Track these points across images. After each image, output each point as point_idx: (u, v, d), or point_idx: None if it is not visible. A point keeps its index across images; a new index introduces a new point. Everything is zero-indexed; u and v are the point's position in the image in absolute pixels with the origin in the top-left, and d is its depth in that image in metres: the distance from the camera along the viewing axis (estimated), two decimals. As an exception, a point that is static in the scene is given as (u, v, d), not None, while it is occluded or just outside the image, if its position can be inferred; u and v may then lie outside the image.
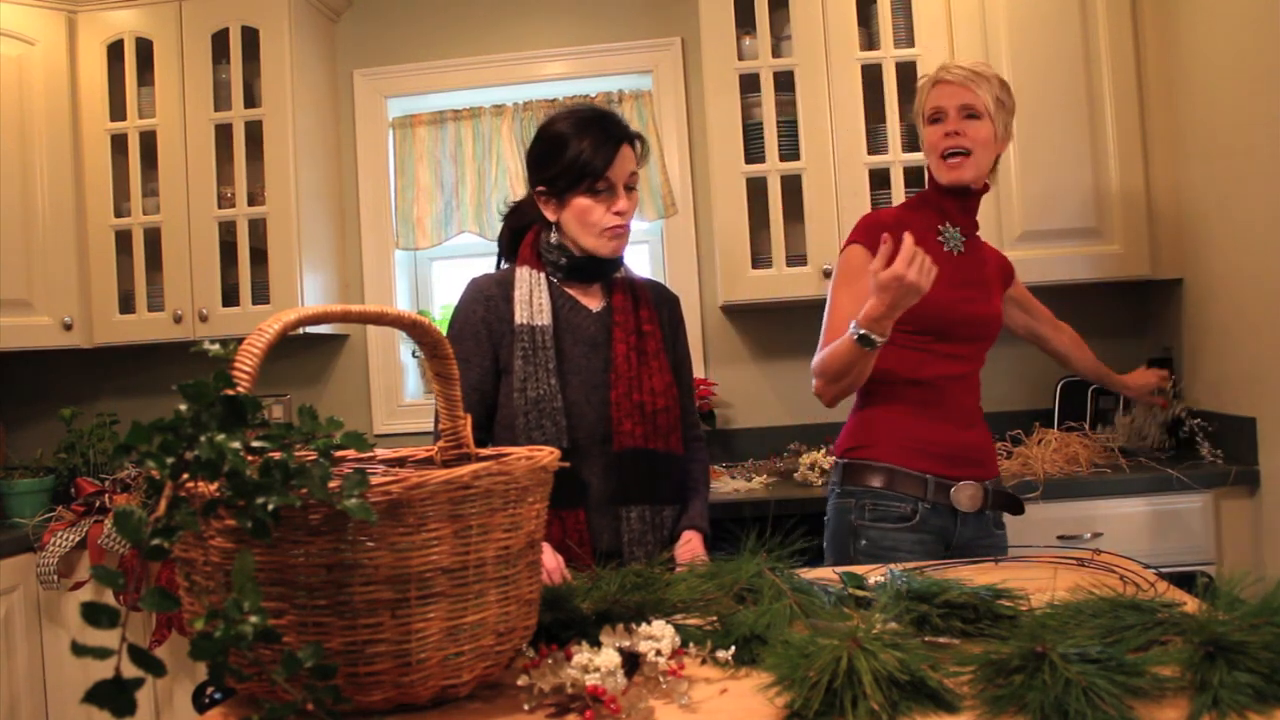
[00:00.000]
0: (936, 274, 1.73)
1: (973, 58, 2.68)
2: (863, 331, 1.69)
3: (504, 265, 1.89)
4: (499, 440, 1.76)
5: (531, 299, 1.75)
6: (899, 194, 2.72)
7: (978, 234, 2.00)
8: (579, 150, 1.70)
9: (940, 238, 1.92)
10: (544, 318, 1.74)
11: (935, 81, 1.92)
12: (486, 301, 1.78)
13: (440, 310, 3.32)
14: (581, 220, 1.73)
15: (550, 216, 1.78)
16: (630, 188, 1.76)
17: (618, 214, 1.73)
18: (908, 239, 1.62)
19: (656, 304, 1.87)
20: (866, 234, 1.89)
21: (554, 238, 1.79)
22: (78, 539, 2.57)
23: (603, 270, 1.81)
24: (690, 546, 1.77)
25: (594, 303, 1.82)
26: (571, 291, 1.81)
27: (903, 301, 1.64)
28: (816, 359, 1.85)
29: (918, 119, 1.98)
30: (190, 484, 0.76)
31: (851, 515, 1.88)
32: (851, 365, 1.75)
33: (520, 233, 1.86)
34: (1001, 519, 1.97)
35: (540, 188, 1.77)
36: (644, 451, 1.74)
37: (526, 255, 1.80)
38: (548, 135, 1.76)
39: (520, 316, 1.74)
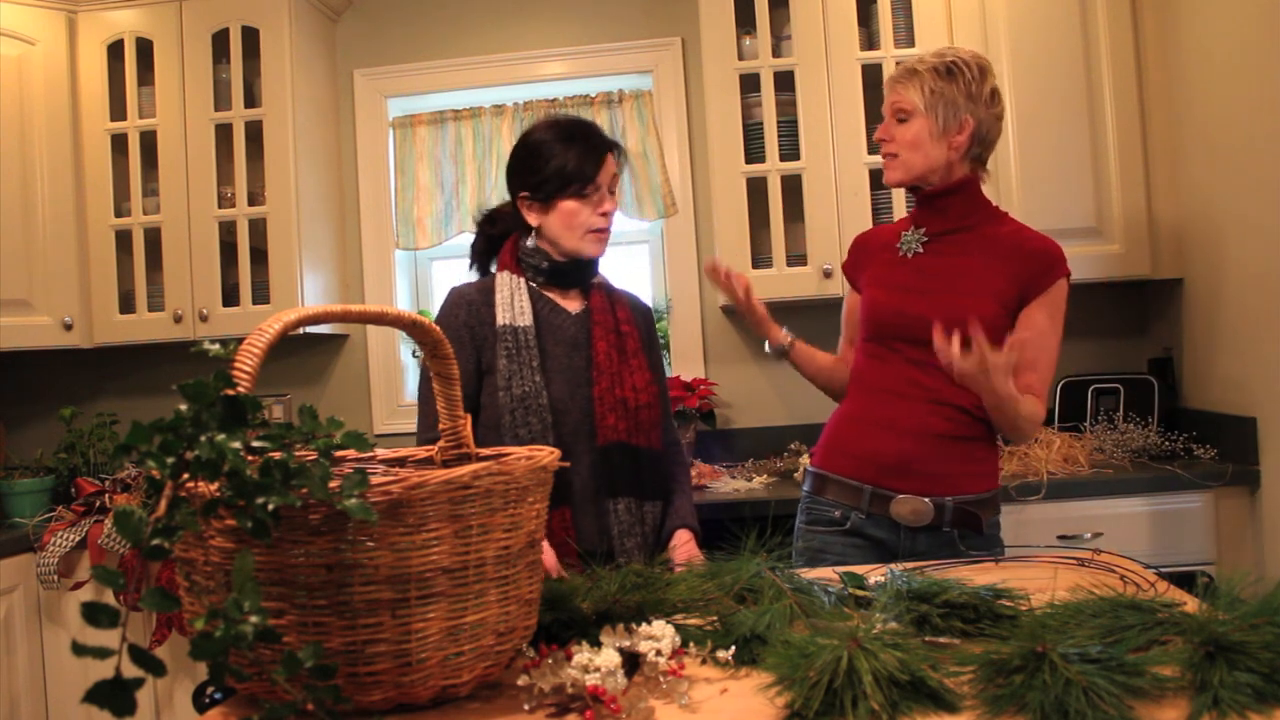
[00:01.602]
0: (879, 275, 1.88)
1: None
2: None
3: (475, 271, 1.95)
4: (483, 441, 1.78)
5: (513, 302, 1.81)
6: (898, 194, 2.72)
7: (971, 233, 1.82)
8: (567, 157, 1.77)
9: (899, 242, 1.89)
10: (525, 319, 1.79)
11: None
12: (469, 306, 1.83)
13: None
14: (568, 223, 1.79)
15: (533, 222, 1.83)
16: (611, 191, 1.83)
17: (603, 215, 1.80)
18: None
19: (632, 308, 1.92)
20: (846, 261, 2.04)
21: (532, 243, 1.84)
22: (78, 539, 2.57)
23: (582, 275, 1.86)
24: (687, 547, 1.80)
25: (573, 305, 1.86)
26: (550, 295, 1.86)
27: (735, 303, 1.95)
28: None
29: None
30: (190, 484, 0.76)
31: (798, 519, 1.93)
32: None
33: (496, 240, 1.92)
34: (999, 539, 1.86)
35: (524, 194, 1.82)
36: (628, 446, 1.77)
37: (506, 261, 1.86)
38: (532, 143, 1.82)
39: (502, 318, 1.79)
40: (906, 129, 1.80)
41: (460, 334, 1.81)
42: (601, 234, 1.82)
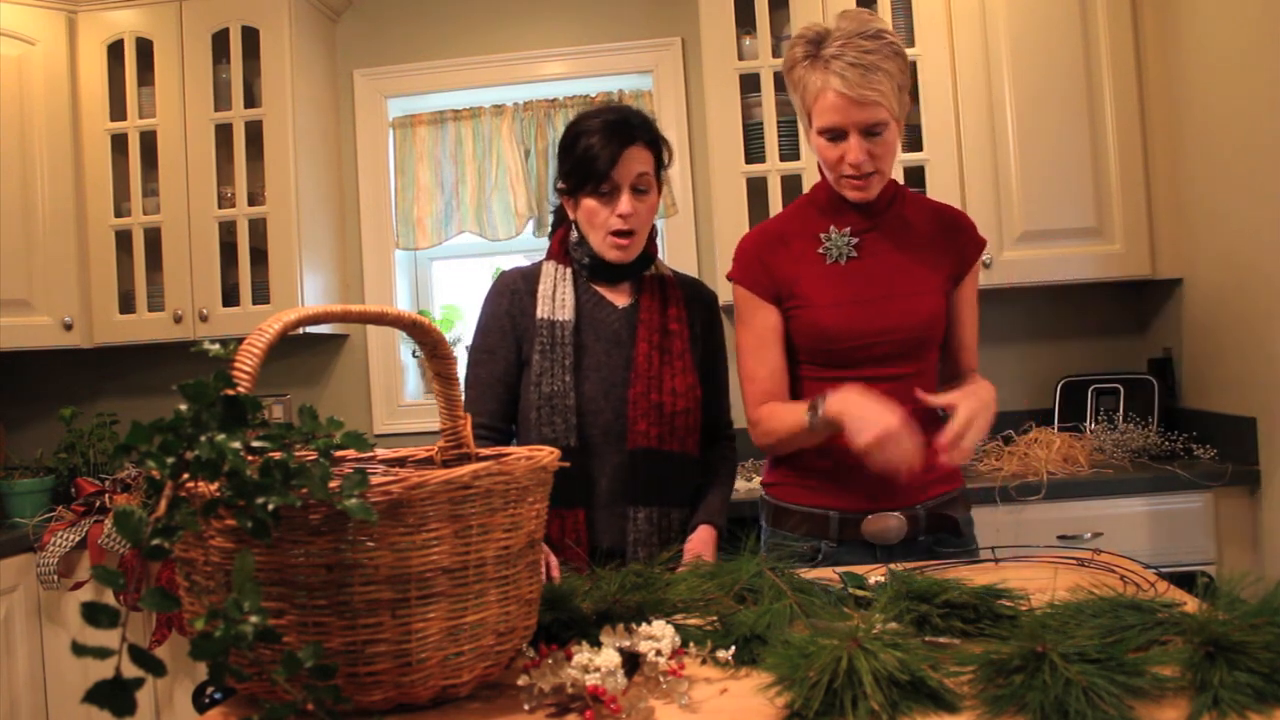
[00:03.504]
0: (814, 290, 1.64)
1: (972, 58, 2.68)
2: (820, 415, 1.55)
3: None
4: (518, 431, 1.80)
5: (555, 294, 1.77)
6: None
7: (892, 221, 1.68)
8: (585, 149, 1.69)
9: (821, 249, 1.67)
10: (565, 313, 1.75)
11: (826, 86, 1.54)
12: (512, 295, 1.80)
13: (440, 310, 3.32)
14: (589, 222, 1.73)
15: (570, 214, 1.80)
16: (640, 190, 1.72)
17: (620, 217, 1.70)
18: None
19: (689, 303, 1.85)
20: (745, 271, 1.71)
21: (576, 235, 1.80)
22: (78, 539, 2.57)
23: (627, 270, 1.80)
24: (699, 538, 1.76)
25: (621, 299, 1.81)
26: (598, 288, 1.81)
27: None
28: (763, 414, 1.69)
29: (799, 111, 1.63)
30: (190, 484, 0.76)
31: (764, 552, 1.72)
32: (801, 439, 1.63)
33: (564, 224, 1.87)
34: (972, 536, 1.75)
35: (561, 185, 1.78)
36: (658, 452, 1.74)
37: (555, 249, 1.83)
38: (567, 133, 1.76)
39: (542, 311, 1.75)
40: (882, 142, 1.57)
41: (502, 323, 1.78)
42: (618, 241, 1.71)
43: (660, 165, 1.77)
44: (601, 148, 1.68)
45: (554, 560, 1.63)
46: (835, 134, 1.58)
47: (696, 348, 1.84)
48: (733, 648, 1.02)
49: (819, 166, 1.68)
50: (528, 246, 3.23)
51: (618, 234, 1.72)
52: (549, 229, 1.94)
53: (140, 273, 2.98)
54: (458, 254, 3.35)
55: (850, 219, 1.68)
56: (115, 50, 2.99)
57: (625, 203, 1.70)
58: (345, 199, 3.25)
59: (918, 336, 1.66)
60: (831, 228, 1.68)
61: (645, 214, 1.74)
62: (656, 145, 1.75)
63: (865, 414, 1.48)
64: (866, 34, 1.53)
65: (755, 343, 1.71)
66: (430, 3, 3.24)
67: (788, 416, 1.63)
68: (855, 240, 1.67)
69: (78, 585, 2.59)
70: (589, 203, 1.72)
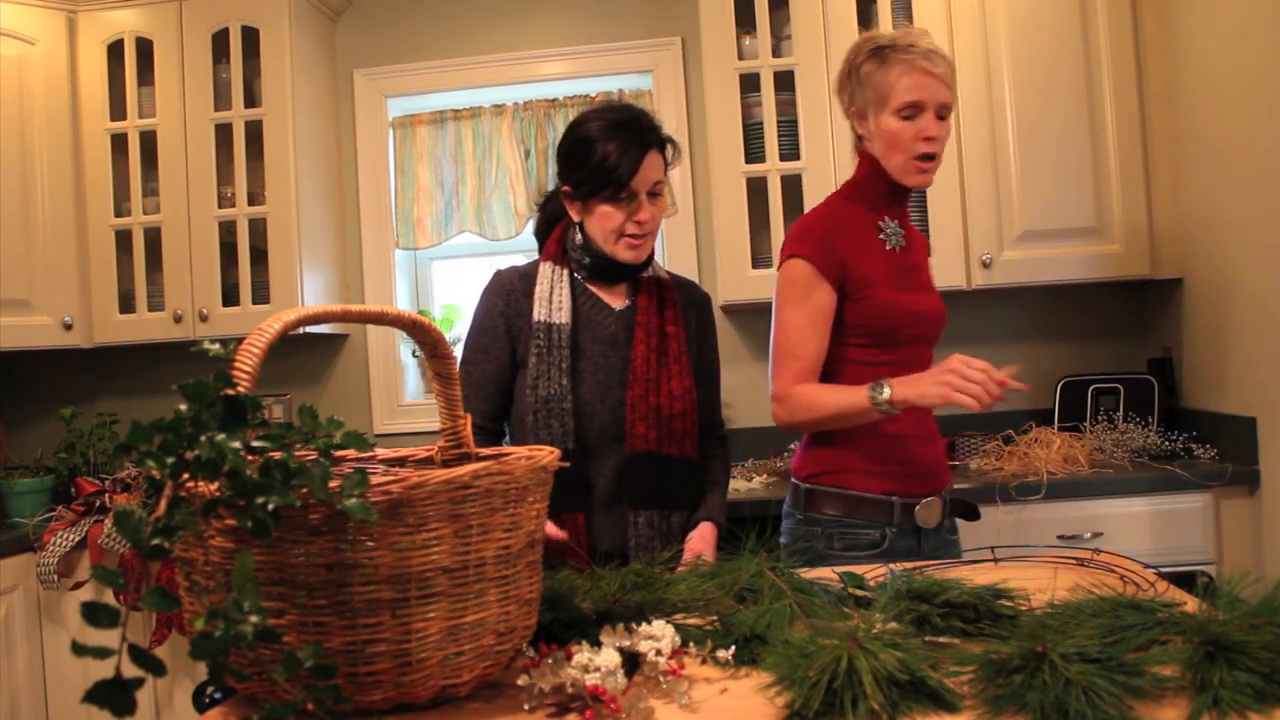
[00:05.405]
0: (880, 273, 1.74)
1: (972, 58, 2.69)
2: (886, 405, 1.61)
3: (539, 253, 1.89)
4: (513, 433, 1.79)
5: (551, 296, 1.76)
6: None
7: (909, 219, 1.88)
8: (603, 156, 1.68)
9: (881, 235, 1.78)
10: (563, 315, 1.75)
11: (911, 66, 1.68)
12: (507, 296, 1.79)
13: (440, 310, 3.32)
14: (602, 227, 1.73)
15: (575, 217, 1.78)
16: (655, 194, 1.73)
17: (638, 223, 1.72)
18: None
19: (684, 305, 1.85)
20: (815, 248, 1.72)
21: (579, 237, 1.79)
22: (78, 539, 2.57)
23: (627, 271, 1.80)
24: (699, 534, 1.77)
25: (617, 301, 1.81)
26: (594, 289, 1.81)
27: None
28: (802, 391, 1.71)
29: (870, 102, 1.73)
30: (190, 484, 0.76)
31: (820, 544, 1.76)
32: (856, 420, 1.69)
33: (553, 223, 1.86)
34: (955, 524, 1.88)
35: (566, 188, 1.77)
36: (656, 455, 1.73)
37: (552, 250, 1.82)
38: (576, 135, 1.74)
39: (539, 313, 1.75)
40: (945, 126, 1.73)
41: (496, 324, 1.78)
42: (634, 243, 1.73)
43: (668, 165, 1.78)
44: (620, 156, 1.68)
45: (553, 529, 1.64)
46: (916, 110, 1.69)
47: (692, 349, 1.84)
48: (733, 648, 1.02)
49: (865, 163, 1.78)
50: (528, 246, 3.23)
51: (634, 238, 1.73)
52: (535, 227, 1.93)
53: (140, 273, 2.99)
54: (458, 254, 3.35)
55: (896, 213, 1.80)
56: (115, 50, 2.99)
57: (645, 210, 1.72)
58: (345, 199, 3.25)
59: (941, 323, 1.83)
60: (885, 218, 1.79)
61: (659, 216, 1.76)
62: (665, 149, 1.76)
63: (935, 379, 1.58)
64: (926, 41, 1.71)
65: (808, 321, 1.72)
66: (430, 3, 3.24)
67: (838, 397, 1.69)
68: (903, 230, 1.81)
69: (78, 585, 2.59)
70: (604, 208, 1.71)
